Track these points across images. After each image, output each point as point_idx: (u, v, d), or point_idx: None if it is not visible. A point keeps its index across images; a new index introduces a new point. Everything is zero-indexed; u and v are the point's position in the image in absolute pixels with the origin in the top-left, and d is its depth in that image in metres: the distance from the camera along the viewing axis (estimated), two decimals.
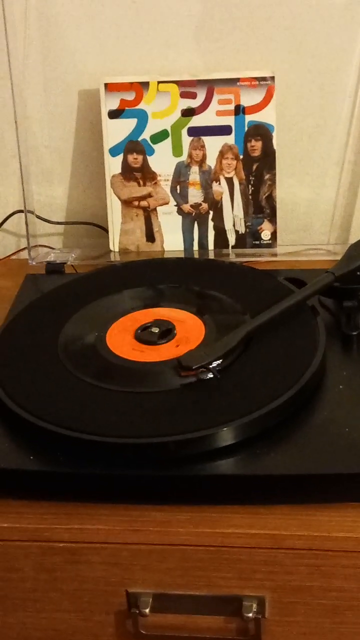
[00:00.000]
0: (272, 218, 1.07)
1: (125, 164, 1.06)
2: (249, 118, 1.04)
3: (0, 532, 0.69)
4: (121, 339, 0.83)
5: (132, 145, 1.06)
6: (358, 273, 0.86)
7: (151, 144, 1.06)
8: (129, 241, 1.09)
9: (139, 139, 1.05)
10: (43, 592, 0.72)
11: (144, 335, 0.82)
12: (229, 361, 0.77)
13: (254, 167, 1.06)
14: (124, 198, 1.08)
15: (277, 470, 0.68)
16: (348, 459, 0.68)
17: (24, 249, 1.16)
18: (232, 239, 1.09)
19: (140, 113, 1.04)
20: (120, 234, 1.09)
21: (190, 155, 1.06)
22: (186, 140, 1.05)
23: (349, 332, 0.83)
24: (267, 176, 1.06)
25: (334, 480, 0.68)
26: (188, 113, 1.04)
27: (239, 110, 1.04)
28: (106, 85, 1.04)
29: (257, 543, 0.67)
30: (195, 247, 1.09)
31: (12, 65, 1.03)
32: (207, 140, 1.05)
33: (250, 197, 1.07)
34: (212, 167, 1.06)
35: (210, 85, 1.03)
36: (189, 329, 0.83)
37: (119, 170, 1.07)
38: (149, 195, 1.08)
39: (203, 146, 1.05)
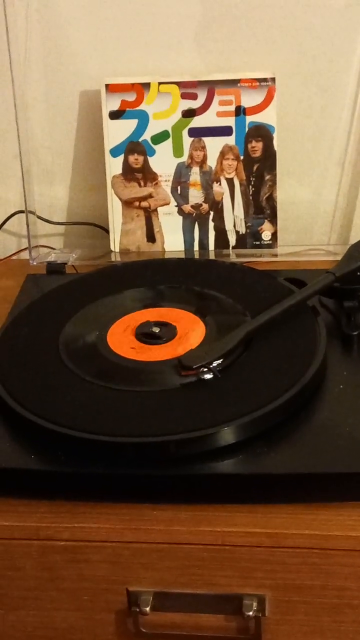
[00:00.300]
0: (273, 219, 1.08)
1: (126, 165, 1.07)
2: (249, 119, 1.04)
3: (2, 531, 0.69)
4: (122, 339, 0.83)
5: (133, 146, 1.06)
6: (358, 273, 0.86)
7: (152, 144, 1.06)
8: (130, 241, 1.09)
9: (140, 140, 1.06)
10: (44, 590, 0.72)
11: (145, 335, 0.83)
12: (230, 361, 0.77)
13: (255, 167, 1.06)
14: (124, 198, 1.08)
15: (278, 470, 0.68)
16: (348, 458, 0.68)
17: (25, 249, 1.16)
18: (232, 240, 1.09)
19: (141, 114, 1.05)
20: (121, 235, 1.09)
21: (191, 156, 1.06)
22: (187, 141, 1.06)
23: (349, 332, 0.84)
24: (267, 177, 1.06)
25: (334, 480, 0.68)
26: (189, 114, 1.05)
27: (240, 111, 1.04)
28: (107, 86, 1.04)
29: (258, 542, 0.67)
30: (196, 247, 1.09)
31: (13, 66, 1.03)
32: (208, 141, 1.05)
33: (250, 197, 1.07)
34: (213, 168, 1.06)
35: (211, 86, 1.03)
36: (190, 329, 0.83)
37: (120, 171, 1.07)
38: (150, 196, 1.08)
39: (204, 147, 1.06)
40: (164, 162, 1.06)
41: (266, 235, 1.08)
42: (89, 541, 0.69)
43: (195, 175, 1.07)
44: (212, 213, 1.08)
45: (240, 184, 1.07)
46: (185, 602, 0.71)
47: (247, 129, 1.05)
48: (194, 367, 0.76)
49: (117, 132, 1.05)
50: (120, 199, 1.08)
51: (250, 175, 1.06)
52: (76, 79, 1.08)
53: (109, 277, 0.96)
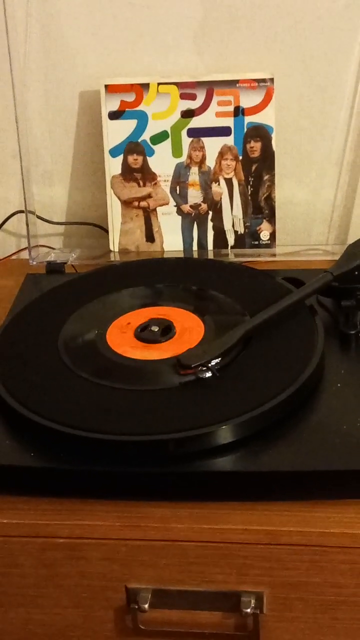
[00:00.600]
0: (271, 218, 1.08)
1: (125, 165, 1.07)
2: (248, 119, 1.04)
3: (1, 528, 0.70)
4: (121, 338, 0.83)
5: (132, 146, 1.06)
6: (356, 272, 0.87)
7: (151, 145, 1.06)
8: (129, 241, 1.10)
9: (139, 140, 1.06)
10: (43, 587, 0.73)
11: (144, 334, 0.83)
12: (228, 360, 0.77)
13: (253, 168, 1.06)
14: (124, 198, 1.08)
15: (276, 467, 0.69)
16: (345, 456, 0.69)
17: (24, 249, 1.16)
18: (231, 239, 1.09)
19: (140, 114, 1.05)
20: (120, 234, 1.09)
21: (189, 156, 1.07)
22: (186, 141, 1.06)
23: (347, 331, 0.84)
24: (266, 177, 1.06)
25: (332, 477, 0.68)
26: (188, 114, 1.05)
27: (239, 112, 1.04)
28: (106, 86, 1.04)
29: (256, 539, 0.67)
30: (195, 247, 1.10)
31: (13, 67, 1.03)
32: (207, 141, 1.06)
33: (249, 197, 1.07)
34: (212, 168, 1.07)
35: (210, 86, 1.04)
36: (189, 328, 0.84)
37: (119, 171, 1.07)
38: (149, 196, 1.08)
39: (202, 147, 1.06)
40: (163, 162, 1.07)
41: (264, 235, 1.09)
42: (88, 538, 0.69)
43: (194, 175, 1.07)
44: (210, 213, 1.08)
45: (239, 184, 1.07)
46: (183, 599, 0.72)
47: (245, 130, 1.05)
48: (193, 366, 0.76)
49: (117, 132, 1.06)
50: (120, 199, 1.08)
51: (248, 176, 1.07)
52: (76, 79, 1.09)
53: (108, 277, 0.97)
